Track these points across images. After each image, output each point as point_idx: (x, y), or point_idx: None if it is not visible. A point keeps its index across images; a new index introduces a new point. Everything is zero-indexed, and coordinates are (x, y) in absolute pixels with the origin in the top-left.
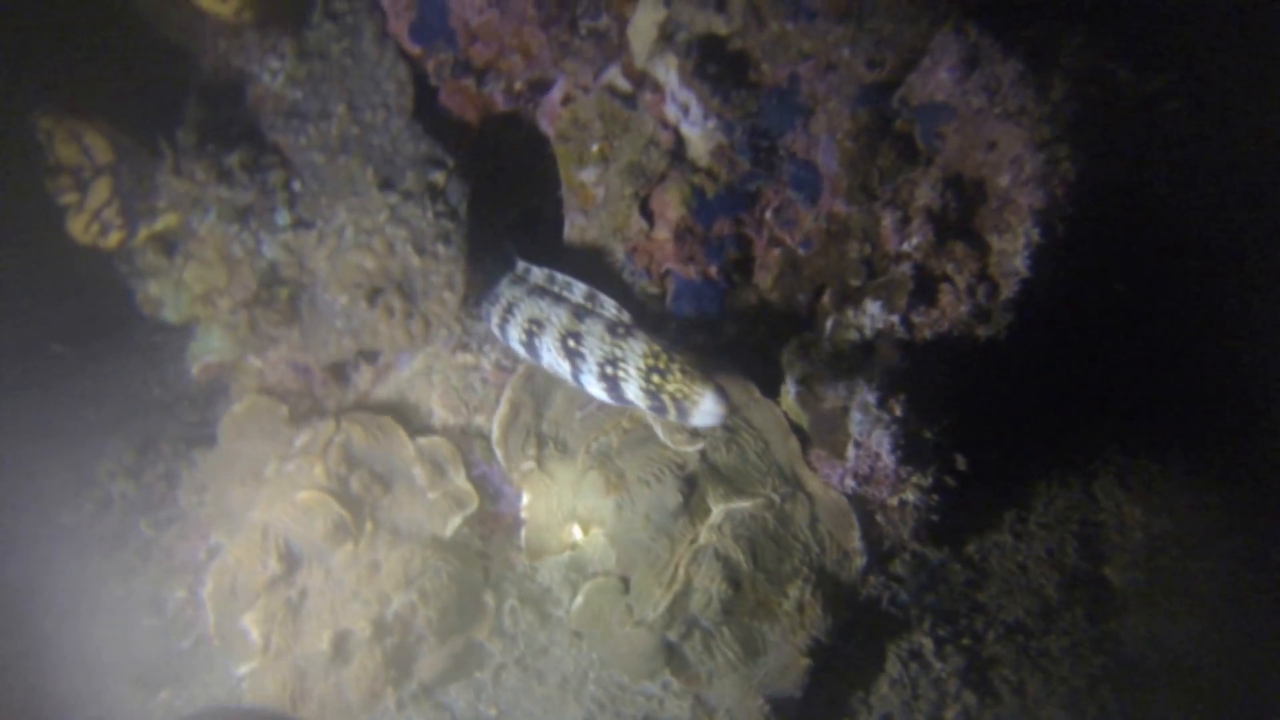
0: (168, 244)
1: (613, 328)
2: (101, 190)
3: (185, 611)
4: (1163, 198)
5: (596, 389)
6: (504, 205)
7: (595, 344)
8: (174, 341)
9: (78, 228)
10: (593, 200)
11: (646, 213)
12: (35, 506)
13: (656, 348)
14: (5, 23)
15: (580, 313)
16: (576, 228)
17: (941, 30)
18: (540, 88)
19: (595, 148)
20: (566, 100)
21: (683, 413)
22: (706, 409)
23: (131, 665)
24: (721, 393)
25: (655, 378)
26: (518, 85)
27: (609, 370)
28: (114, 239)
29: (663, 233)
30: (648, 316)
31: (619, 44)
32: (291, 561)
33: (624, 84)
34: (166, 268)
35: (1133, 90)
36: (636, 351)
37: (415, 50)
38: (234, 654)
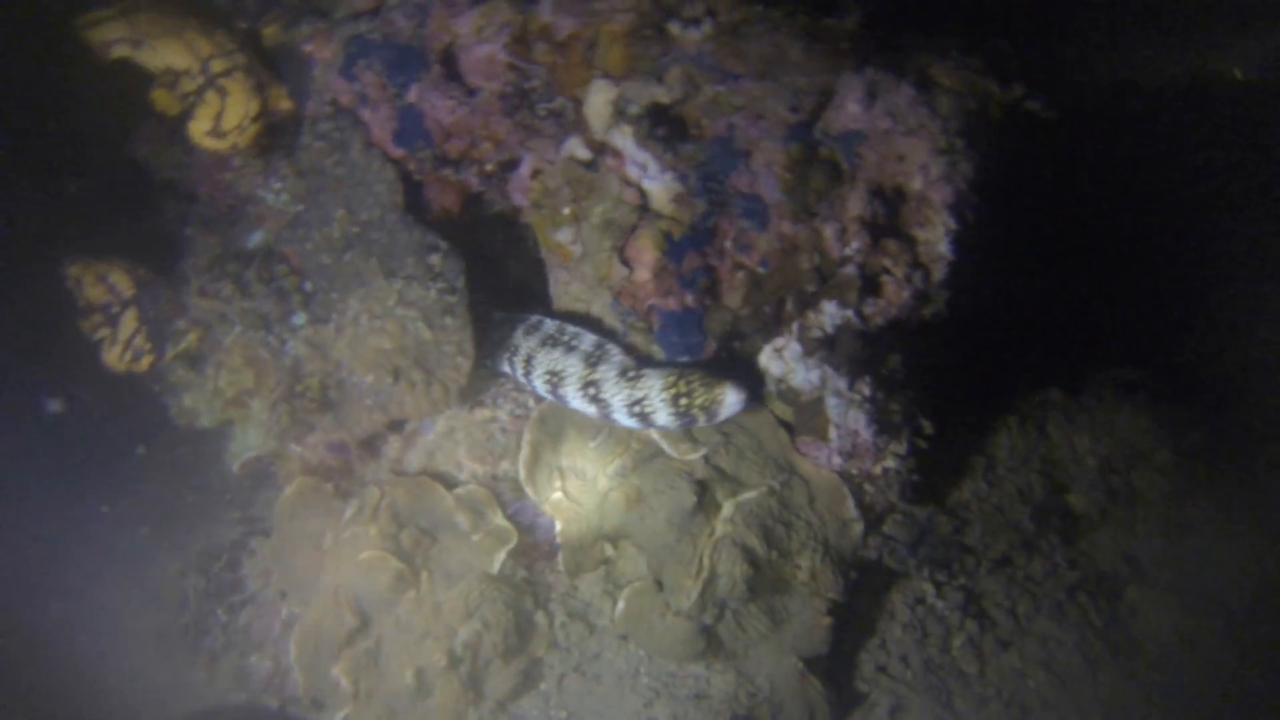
0: (193, 359)
1: (624, 373)
2: (130, 322)
3: (272, 681)
4: (1040, 179)
5: (630, 423)
6: (493, 272)
7: (614, 389)
8: (201, 448)
9: (113, 358)
10: (570, 256)
11: (625, 260)
12: (114, 612)
13: (671, 378)
14: (33, 186)
15: (593, 360)
16: (560, 282)
17: (844, 73)
18: (509, 166)
19: (567, 210)
20: (535, 173)
21: (712, 415)
22: (732, 401)
23: None
24: (736, 384)
25: (682, 401)
26: (489, 167)
27: (637, 409)
28: (145, 363)
29: (643, 274)
30: (639, 346)
31: (574, 119)
32: (364, 615)
33: (583, 152)
34: (197, 380)
35: (999, 98)
36: (656, 387)
37: (399, 153)
38: (327, 704)
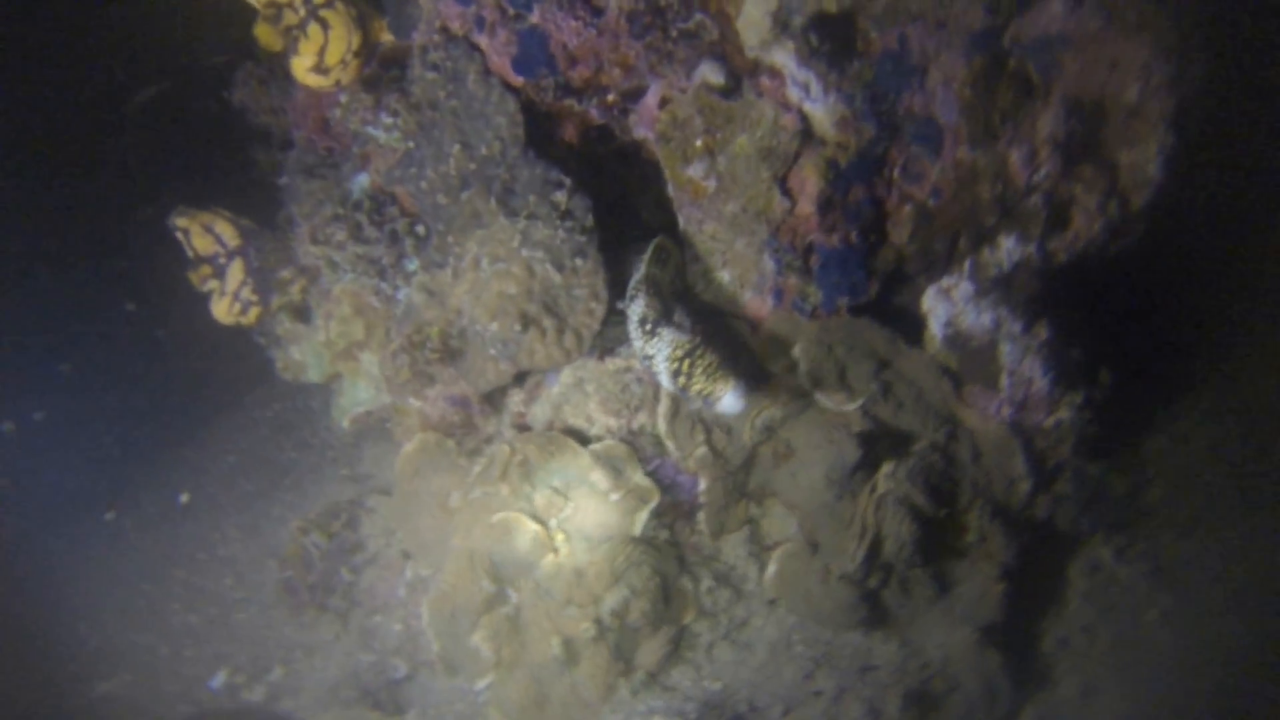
0: (300, 310)
1: (642, 322)
2: (237, 273)
3: (404, 645)
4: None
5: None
6: (617, 210)
7: (633, 332)
8: (299, 403)
9: (221, 310)
10: (704, 192)
11: (786, 191)
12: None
13: (679, 351)
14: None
15: (629, 296)
16: (693, 220)
17: None
18: (633, 96)
19: (699, 142)
20: (664, 102)
21: (707, 405)
22: (728, 403)
23: (366, 697)
24: (739, 388)
25: (681, 379)
26: (611, 97)
27: (647, 362)
28: (253, 314)
29: (806, 207)
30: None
31: (711, 40)
32: (501, 580)
33: (718, 78)
34: (305, 332)
35: None
36: (663, 353)
37: (518, 81)
38: (467, 672)
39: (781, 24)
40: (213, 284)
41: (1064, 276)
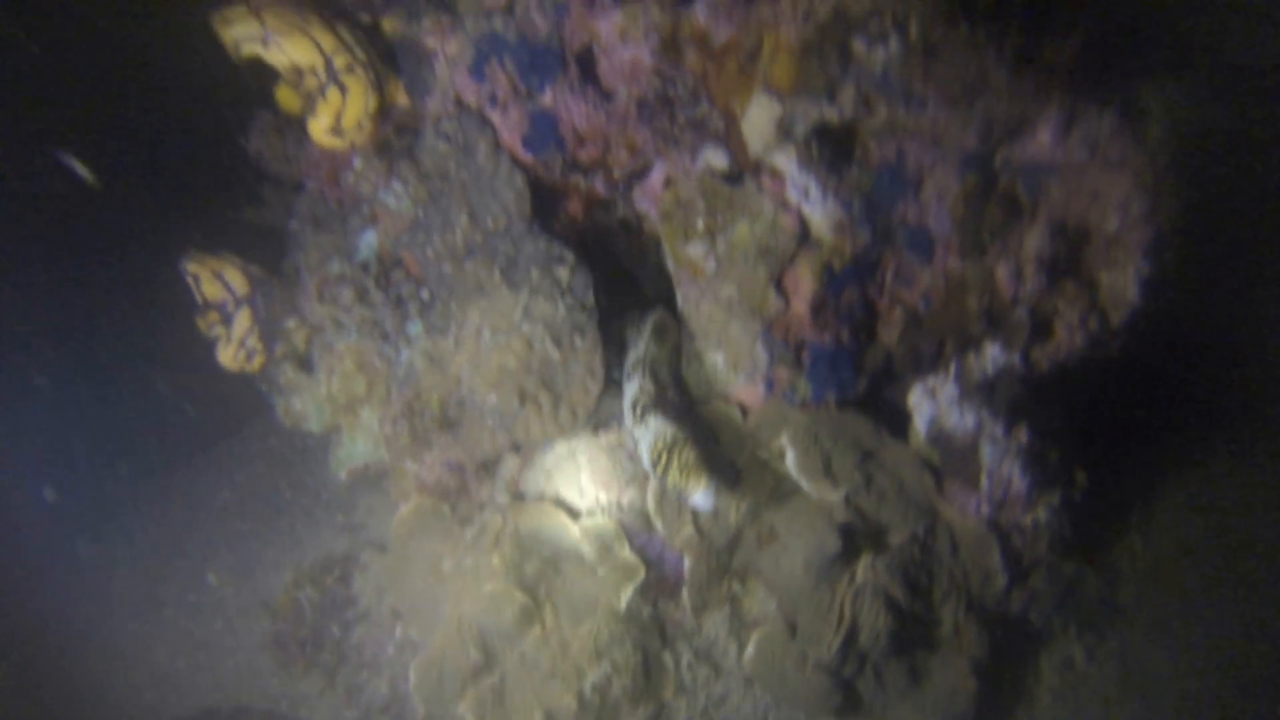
0: (303, 360)
1: (634, 404)
2: (244, 320)
3: (390, 706)
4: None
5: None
6: (618, 280)
7: (625, 411)
8: (296, 441)
9: (227, 357)
10: (702, 273)
11: (781, 290)
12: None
13: (661, 442)
14: (153, 182)
15: (627, 375)
16: (690, 300)
17: (1049, 102)
18: (640, 174)
19: (700, 224)
20: (668, 182)
21: (680, 497)
22: (699, 500)
23: None
24: (711, 486)
25: (658, 468)
26: (617, 174)
27: (632, 441)
28: (257, 362)
29: (800, 307)
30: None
31: (717, 129)
32: (488, 650)
33: (722, 162)
34: (307, 383)
35: (1227, 126)
36: (647, 439)
37: (527, 158)
38: None
39: (785, 131)
40: (219, 330)
41: (1045, 382)
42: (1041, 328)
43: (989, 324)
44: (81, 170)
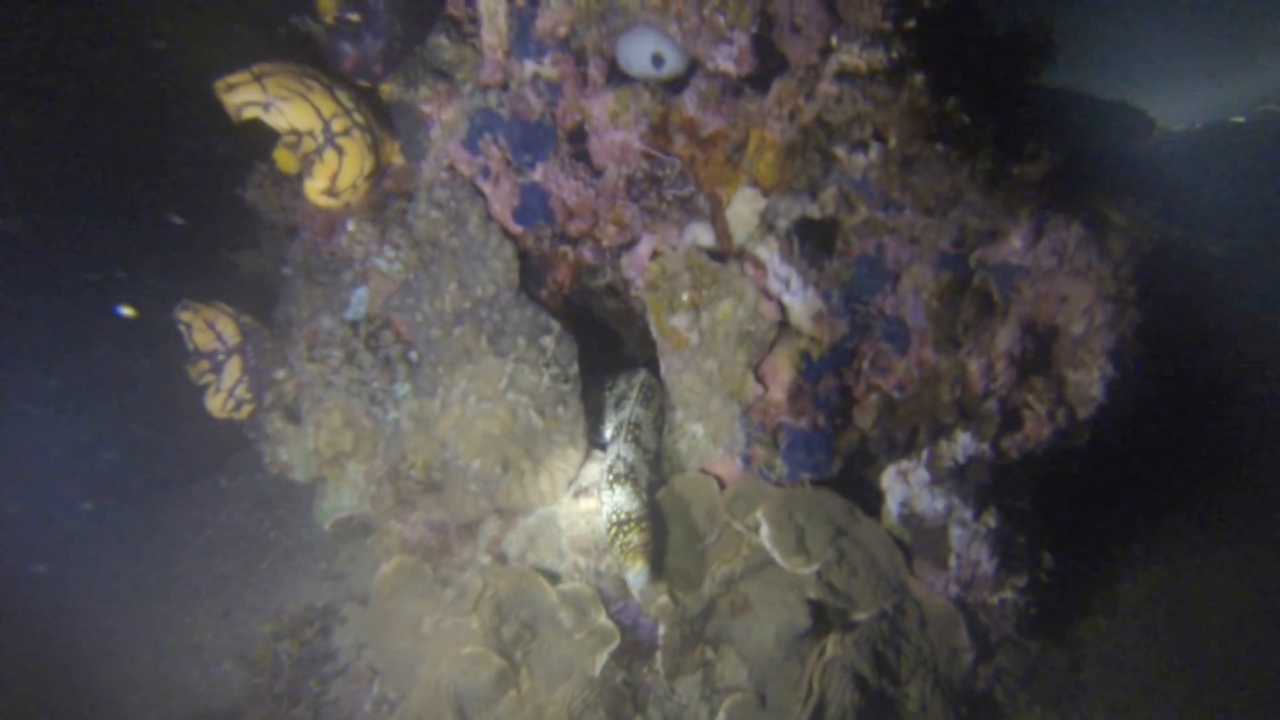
0: (291, 410)
1: (609, 469)
2: (234, 370)
3: None
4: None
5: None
6: (600, 350)
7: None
8: (280, 479)
9: (215, 405)
10: (685, 344)
11: (760, 377)
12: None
13: (617, 516)
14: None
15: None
16: (673, 370)
17: (1019, 215)
18: (627, 245)
19: (685, 297)
20: (655, 255)
21: (620, 569)
22: (633, 581)
23: None
24: (645, 571)
25: (607, 538)
26: (605, 243)
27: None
28: (246, 411)
29: (777, 394)
30: (759, 458)
31: (705, 210)
32: (464, 714)
33: (708, 239)
34: (295, 434)
35: (1180, 244)
36: (607, 508)
37: (518, 230)
38: None
39: (767, 224)
40: (209, 379)
41: (1014, 470)
42: (1011, 419)
43: (961, 414)
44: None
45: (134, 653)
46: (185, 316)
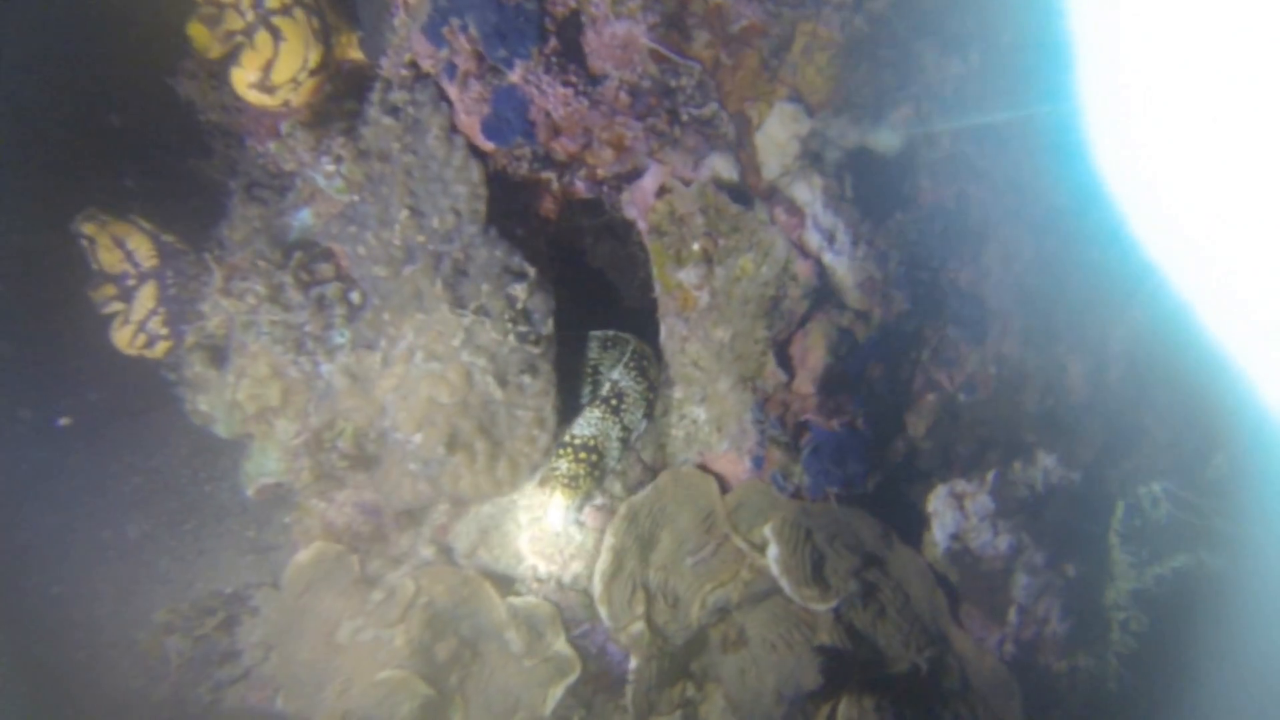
0: (216, 353)
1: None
2: (146, 299)
3: None
4: None
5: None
6: (588, 308)
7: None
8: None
9: (123, 339)
10: (693, 304)
11: (785, 359)
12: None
13: (567, 450)
14: (49, 123)
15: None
16: (675, 335)
17: None
18: (628, 176)
19: (697, 246)
20: (662, 191)
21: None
22: (552, 513)
23: None
24: (565, 505)
25: (561, 456)
26: (600, 171)
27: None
28: (160, 349)
29: (805, 384)
30: (776, 461)
31: (729, 136)
32: None
33: (731, 174)
34: (216, 381)
35: None
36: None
37: (489, 147)
38: None
39: (812, 154)
40: (116, 307)
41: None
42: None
43: (1050, 429)
44: None
45: (13, 627)
46: (88, 229)
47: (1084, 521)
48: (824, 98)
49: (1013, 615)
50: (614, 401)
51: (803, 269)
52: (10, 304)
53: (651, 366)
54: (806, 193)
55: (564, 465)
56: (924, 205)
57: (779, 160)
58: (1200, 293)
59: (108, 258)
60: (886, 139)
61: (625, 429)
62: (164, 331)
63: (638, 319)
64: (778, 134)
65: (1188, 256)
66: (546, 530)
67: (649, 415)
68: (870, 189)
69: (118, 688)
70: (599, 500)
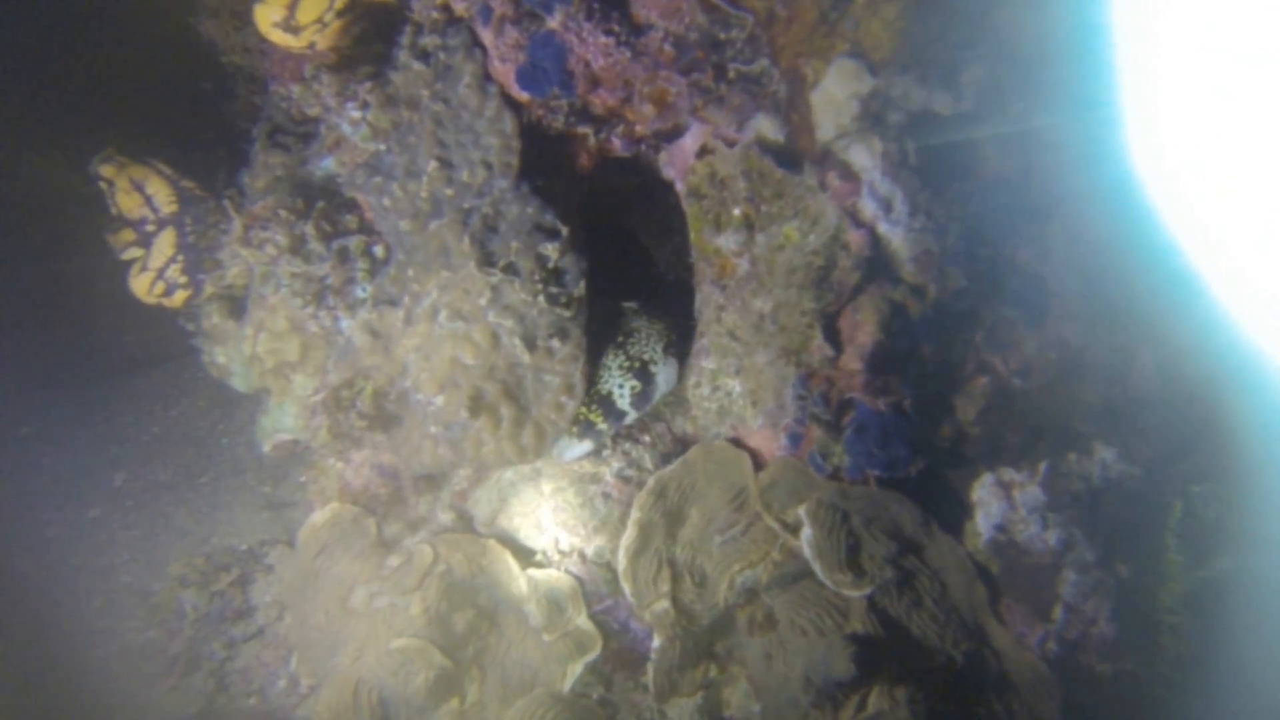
0: (235, 303)
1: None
2: (165, 247)
3: None
4: None
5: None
6: (619, 264)
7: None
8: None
9: (141, 287)
10: (731, 271)
11: (832, 333)
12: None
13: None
14: (69, 63)
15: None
16: (711, 303)
17: None
18: (668, 135)
19: (738, 211)
20: (703, 152)
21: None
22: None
23: None
24: (577, 440)
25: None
26: (639, 130)
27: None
28: (179, 298)
29: (853, 361)
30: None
31: (780, 95)
32: None
33: (777, 136)
34: (234, 334)
35: None
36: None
37: (523, 97)
38: None
39: (873, 115)
40: (135, 253)
41: None
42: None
43: (1109, 421)
44: None
45: (35, 565)
46: (106, 171)
47: (1141, 519)
48: (888, 54)
49: (1058, 613)
50: (620, 338)
51: (855, 239)
52: (32, 245)
53: (672, 348)
54: (865, 157)
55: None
56: (987, 176)
57: (835, 121)
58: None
59: (126, 202)
60: (953, 101)
61: (630, 358)
62: (182, 280)
63: (670, 286)
64: (836, 92)
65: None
66: (569, 500)
67: (671, 352)
68: (931, 155)
69: (132, 638)
70: (628, 470)
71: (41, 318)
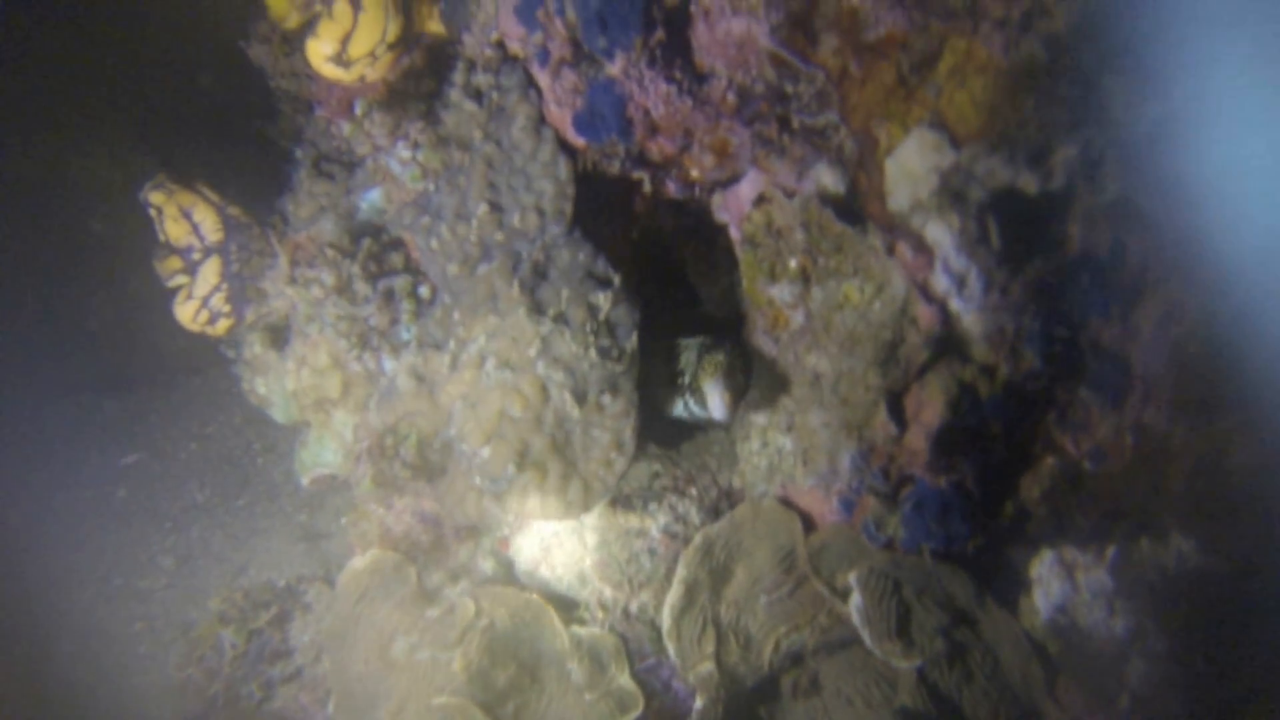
0: (277, 334)
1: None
2: (210, 275)
3: None
4: None
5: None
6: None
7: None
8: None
9: (186, 315)
10: (784, 324)
11: (897, 410)
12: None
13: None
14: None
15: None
16: (763, 358)
17: None
18: (726, 182)
19: (794, 263)
20: (761, 200)
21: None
22: (715, 400)
23: None
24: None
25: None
26: (696, 174)
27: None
28: (222, 326)
29: (917, 440)
30: (873, 510)
31: (836, 148)
32: None
33: (838, 188)
34: (275, 365)
35: None
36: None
37: (579, 143)
38: None
39: (953, 191)
40: (180, 280)
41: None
42: None
43: (1193, 513)
44: None
45: (78, 587)
46: (156, 199)
47: (1222, 611)
48: (974, 130)
49: (1125, 701)
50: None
51: (925, 314)
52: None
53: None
54: (941, 233)
55: (721, 357)
56: (1072, 253)
57: (910, 192)
58: None
59: (174, 229)
60: (1040, 181)
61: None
62: (226, 309)
63: (716, 328)
64: (914, 164)
65: None
66: (614, 554)
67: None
68: (1009, 231)
69: (173, 675)
70: (674, 526)
71: (95, 321)
